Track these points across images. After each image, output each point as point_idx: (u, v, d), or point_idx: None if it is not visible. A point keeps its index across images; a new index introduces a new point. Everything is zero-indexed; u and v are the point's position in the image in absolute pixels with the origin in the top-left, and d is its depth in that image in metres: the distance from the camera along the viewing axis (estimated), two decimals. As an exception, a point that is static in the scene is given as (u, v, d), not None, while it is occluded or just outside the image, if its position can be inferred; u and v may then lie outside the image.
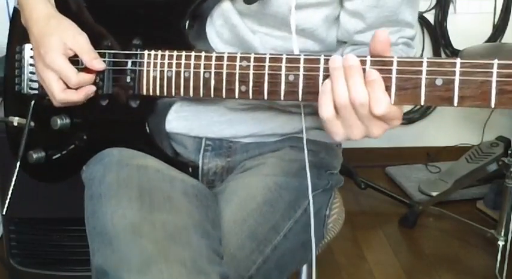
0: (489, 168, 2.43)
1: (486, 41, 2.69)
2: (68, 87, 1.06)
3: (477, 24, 2.69)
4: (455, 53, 2.67)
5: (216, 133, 1.13)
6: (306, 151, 1.04)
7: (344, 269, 2.12)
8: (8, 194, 1.15)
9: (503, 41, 2.71)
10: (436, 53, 2.73)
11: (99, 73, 1.09)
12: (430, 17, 2.70)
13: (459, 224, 2.30)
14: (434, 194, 2.49)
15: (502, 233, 2.04)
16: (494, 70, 0.77)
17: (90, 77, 1.07)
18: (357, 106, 0.82)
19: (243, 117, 1.11)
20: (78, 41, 1.06)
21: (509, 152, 2.02)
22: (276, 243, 1.03)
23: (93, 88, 1.08)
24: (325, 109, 0.84)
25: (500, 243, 2.03)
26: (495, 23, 2.71)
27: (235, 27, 1.05)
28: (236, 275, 0.98)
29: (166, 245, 0.89)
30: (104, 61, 1.08)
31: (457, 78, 0.79)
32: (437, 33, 2.70)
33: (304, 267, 1.31)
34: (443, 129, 2.87)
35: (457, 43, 2.69)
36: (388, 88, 0.82)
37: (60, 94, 1.06)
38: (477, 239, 2.23)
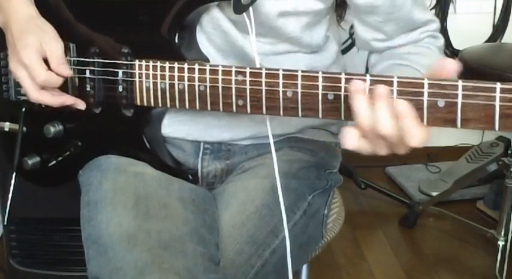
0: (489, 168, 2.43)
1: (486, 41, 2.69)
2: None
3: (477, 24, 2.69)
4: (455, 53, 2.66)
5: (215, 137, 1.12)
6: (277, 173, 1.01)
7: (344, 269, 2.12)
8: (7, 206, 1.15)
9: (503, 41, 2.71)
10: (436, 53, 2.73)
11: (89, 81, 1.07)
12: (430, 17, 2.70)
13: (459, 224, 2.30)
14: (434, 194, 2.49)
15: (502, 233, 2.04)
16: (497, 94, 0.75)
17: (58, 79, 1.04)
18: (382, 136, 0.79)
19: (241, 119, 1.11)
20: (53, 45, 1.04)
21: (509, 152, 2.02)
22: (274, 246, 1.02)
23: (71, 101, 1.07)
24: (349, 142, 0.82)
25: (500, 243, 2.02)
26: (495, 23, 2.71)
27: (226, 33, 1.05)
28: None
29: (161, 254, 0.89)
30: (93, 70, 1.06)
31: (459, 100, 0.77)
32: (437, 33, 2.70)
33: (304, 267, 1.31)
34: (443, 129, 2.85)
35: (457, 43, 2.69)
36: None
37: (34, 93, 1.04)
38: (477, 239, 2.23)
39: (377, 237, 2.33)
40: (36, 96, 1.04)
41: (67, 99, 1.07)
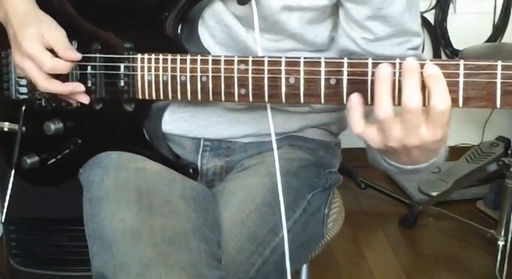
0: (489, 168, 2.43)
1: (486, 41, 2.69)
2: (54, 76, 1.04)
3: (477, 24, 2.69)
4: (455, 53, 2.67)
5: (215, 134, 1.13)
6: (278, 170, 1.02)
7: (344, 269, 2.12)
8: (5, 202, 1.15)
9: (503, 40, 2.71)
10: (436, 53, 2.73)
11: (90, 77, 1.07)
12: (430, 17, 2.70)
13: (459, 224, 2.30)
14: (434, 194, 2.49)
15: (502, 233, 2.04)
16: (499, 71, 0.77)
17: (66, 64, 1.03)
18: (406, 111, 0.79)
19: (241, 117, 1.11)
20: (55, 33, 1.04)
21: (509, 152, 2.02)
22: (275, 244, 1.02)
23: (81, 86, 1.06)
24: (357, 126, 0.83)
25: (500, 243, 2.02)
26: (495, 23, 2.71)
27: (229, 27, 1.05)
28: (236, 278, 0.98)
29: (166, 249, 0.89)
30: (95, 65, 1.06)
31: (461, 79, 0.79)
32: (437, 33, 2.70)
33: (304, 267, 1.31)
34: (443, 129, 2.86)
35: (457, 43, 2.69)
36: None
37: (43, 82, 1.03)
38: (477, 239, 2.23)
39: (377, 237, 2.33)
40: (46, 84, 1.04)
41: (76, 86, 1.06)
